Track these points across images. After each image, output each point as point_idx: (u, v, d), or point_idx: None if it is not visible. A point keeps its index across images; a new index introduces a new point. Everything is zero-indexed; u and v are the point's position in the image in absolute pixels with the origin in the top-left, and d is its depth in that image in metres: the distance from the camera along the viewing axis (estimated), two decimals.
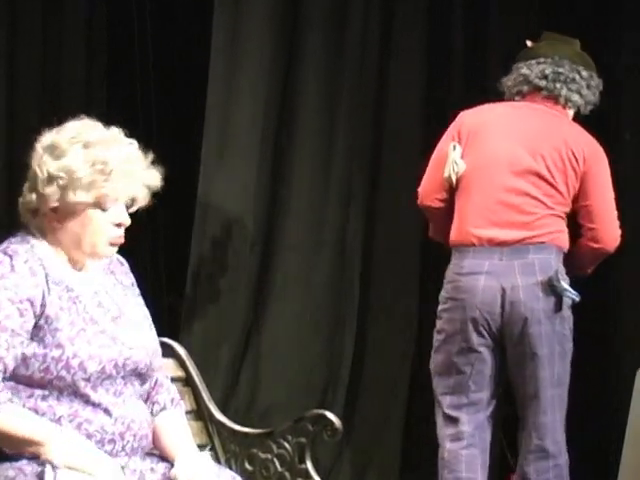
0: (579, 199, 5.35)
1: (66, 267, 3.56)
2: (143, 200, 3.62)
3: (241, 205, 6.86)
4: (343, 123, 6.92)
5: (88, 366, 3.45)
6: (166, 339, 4.17)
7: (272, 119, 6.86)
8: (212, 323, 6.82)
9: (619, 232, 5.42)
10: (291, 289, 6.90)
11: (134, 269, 7.20)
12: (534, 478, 5.34)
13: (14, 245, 3.53)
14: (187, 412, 4.08)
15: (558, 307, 5.27)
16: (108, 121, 7.34)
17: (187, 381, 4.14)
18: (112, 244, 3.58)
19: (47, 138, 3.57)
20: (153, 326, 3.70)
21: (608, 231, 5.39)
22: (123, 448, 3.50)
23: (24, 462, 3.44)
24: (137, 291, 3.74)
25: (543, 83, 5.40)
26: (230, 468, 3.95)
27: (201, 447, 4.01)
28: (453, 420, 5.40)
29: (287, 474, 3.98)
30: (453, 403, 5.41)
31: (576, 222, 5.40)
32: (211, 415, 4.11)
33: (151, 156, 3.65)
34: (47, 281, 3.49)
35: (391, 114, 6.94)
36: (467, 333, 5.31)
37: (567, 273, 5.33)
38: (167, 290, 7.18)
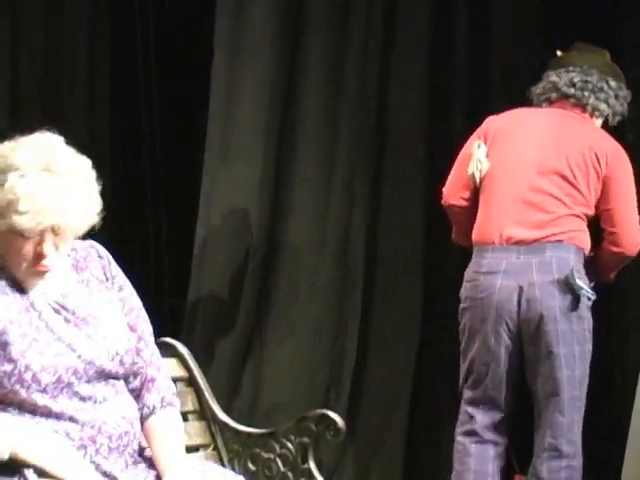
0: (601, 203, 5.39)
1: (21, 275, 3.46)
2: (75, 229, 3.45)
3: (244, 207, 6.85)
4: (345, 126, 6.91)
5: (42, 378, 3.39)
6: (169, 339, 4.17)
7: (275, 121, 6.86)
8: (215, 323, 6.82)
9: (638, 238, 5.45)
10: (294, 290, 6.89)
11: (137, 270, 7.24)
12: (546, 477, 5.36)
13: None
14: (190, 412, 4.09)
15: (575, 305, 5.30)
16: (111, 120, 7.41)
17: (190, 381, 4.13)
18: (34, 273, 3.46)
19: None
20: (125, 321, 3.59)
21: (629, 236, 5.43)
22: (97, 452, 3.44)
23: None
24: (120, 283, 3.64)
25: (571, 91, 5.47)
26: (233, 468, 3.97)
27: (204, 447, 4.01)
28: (469, 416, 5.46)
29: (290, 474, 3.98)
30: (470, 398, 5.47)
31: (598, 227, 5.43)
32: (214, 415, 4.10)
33: (89, 186, 3.46)
34: None
35: (393, 118, 6.92)
36: (485, 333, 5.36)
37: (591, 278, 5.39)
38: (170, 290, 7.17)
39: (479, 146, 5.44)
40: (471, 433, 5.46)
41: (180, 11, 7.28)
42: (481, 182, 5.44)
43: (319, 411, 4.04)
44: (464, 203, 5.52)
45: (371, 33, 6.88)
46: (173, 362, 4.12)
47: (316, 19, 6.87)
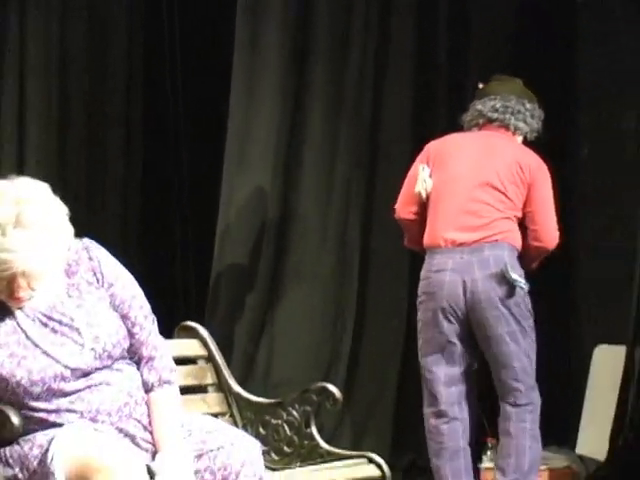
0: (525, 206, 5.43)
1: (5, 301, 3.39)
2: (42, 271, 3.32)
3: (257, 206, 6.82)
4: (343, 140, 6.88)
5: (33, 390, 3.36)
6: (191, 323, 4.12)
7: (284, 134, 6.83)
8: (233, 308, 6.78)
9: (557, 233, 5.47)
10: (300, 280, 6.86)
11: (166, 263, 7.18)
12: (514, 420, 5.40)
13: None
14: (209, 385, 4.07)
15: (511, 293, 5.33)
16: (145, 134, 7.36)
17: (209, 359, 4.11)
18: (13, 303, 3.37)
19: None
20: (116, 314, 3.47)
21: (547, 232, 5.47)
22: (100, 429, 3.38)
23: (37, 434, 3.38)
24: (108, 283, 3.48)
25: (495, 115, 5.52)
26: (246, 432, 3.87)
27: (222, 414, 3.99)
28: (433, 397, 5.45)
29: (295, 437, 3.98)
30: (432, 379, 5.45)
31: (523, 225, 5.47)
32: (230, 388, 4.08)
33: (59, 231, 3.34)
34: None
35: (384, 132, 6.90)
36: (438, 321, 5.38)
37: (522, 267, 5.41)
38: (195, 280, 7.13)
39: (423, 168, 5.49)
40: (439, 414, 5.44)
41: (205, 39, 7.21)
42: (427, 197, 5.48)
43: (320, 384, 4.04)
44: (413, 217, 5.55)
45: (366, 63, 6.86)
46: (195, 342, 4.09)
47: (319, 52, 6.85)
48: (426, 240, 5.47)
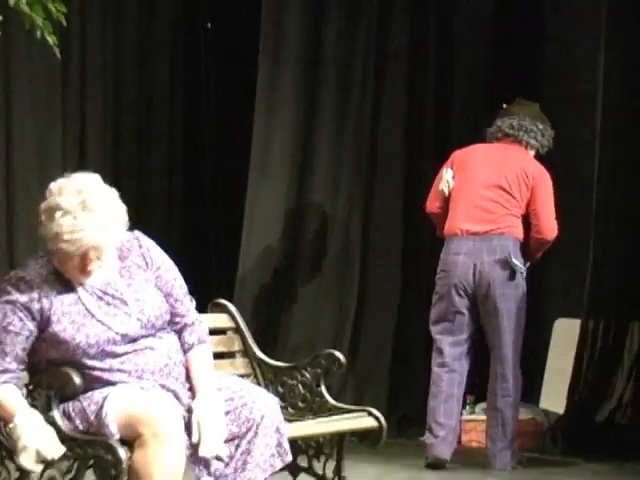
0: (529, 205, 5.51)
1: (75, 272, 3.38)
2: (109, 246, 3.35)
3: (276, 207, 6.82)
4: (348, 151, 6.86)
5: (89, 352, 3.36)
6: (222, 300, 4.10)
7: (298, 148, 6.83)
8: (257, 290, 6.77)
9: (556, 228, 5.55)
10: (311, 266, 6.84)
11: (203, 253, 7.18)
12: (499, 394, 5.49)
13: (31, 263, 3.40)
14: (237, 352, 4.03)
15: (512, 277, 5.44)
16: (185, 141, 7.38)
17: (237, 330, 4.06)
18: (83, 276, 3.37)
19: (50, 187, 3.39)
20: (160, 293, 3.46)
21: (547, 226, 5.56)
22: (145, 386, 3.38)
23: (94, 392, 3.36)
24: (157, 264, 3.48)
25: (511, 132, 5.61)
26: (267, 390, 3.85)
27: (247, 376, 3.95)
28: (441, 352, 5.54)
29: (308, 395, 3.93)
30: (442, 341, 5.54)
31: (528, 221, 5.54)
32: (254, 354, 4.03)
33: (118, 212, 3.35)
34: (53, 289, 3.36)
35: (382, 145, 6.87)
36: (451, 295, 5.49)
37: (525, 259, 5.52)
38: (226, 266, 7.14)
39: (447, 171, 5.61)
40: (442, 365, 5.53)
41: (234, 72, 7.20)
42: (449, 195, 5.59)
43: (328, 351, 3.99)
44: (438, 210, 5.64)
45: (366, 88, 6.83)
46: (225, 316, 4.05)
47: (326, 81, 6.83)
48: (446, 229, 5.57)
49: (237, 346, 4.02)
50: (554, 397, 6.03)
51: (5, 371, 3.32)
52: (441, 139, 6.80)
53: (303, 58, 6.80)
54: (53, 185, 3.37)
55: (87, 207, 3.29)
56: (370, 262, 6.85)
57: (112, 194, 3.39)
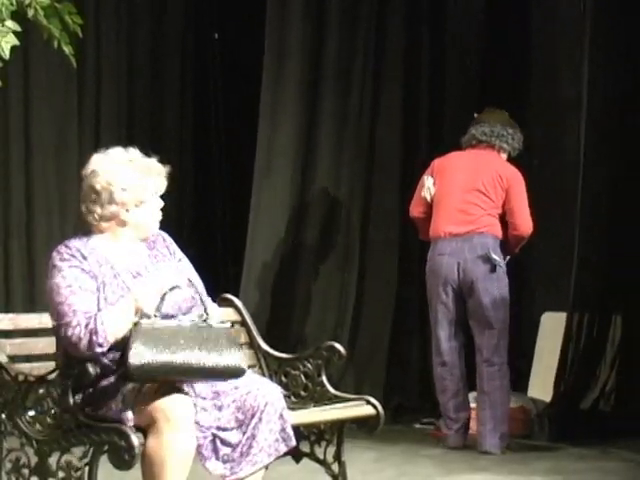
0: (505, 204, 5.59)
1: (112, 252, 3.46)
2: (164, 187, 3.56)
3: (280, 207, 6.80)
4: (347, 153, 6.86)
5: None
6: (228, 295, 4.10)
7: (300, 149, 6.82)
8: (262, 285, 6.76)
9: (531, 224, 5.61)
10: (313, 262, 6.84)
11: (211, 250, 7.20)
12: (485, 378, 5.54)
13: (72, 242, 3.46)
14: (243, 343, 4.02)
15: (493, 270, 5.52)
16: (194, 142, 7.39)
17: (242, 323, 4.06)
18: (156, 222, 3.55)
19: (90, 167, 3.49)
20: (186, 281, 3.53)
21: (522, 223, 5.60)
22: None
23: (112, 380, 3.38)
24: (179, 256, 3.60)
25: (484, 138, 5.69)
26: (271, 380, 3.87)
27: (252, 366, 3.95)
28: (438, 349, 5.65)
29: (310, 385, 3.92)
30: (438, 337, 5.65)
31: (504, 219, 5.61)
32: (259, 345, 4.03)
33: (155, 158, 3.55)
34: (96, 262, 3.42)
35: (379, 148, 6.88)
36: (439, 292, 5.60)
37: (505, 254, 5.59)
38: (232, 263, 7.14)
39: (428, 179, 5.70)
40: (443, 364, 5.64)
41: (240, 79, 7.20)
42: (432, 200, 5.68)
43: (329, 343, 3.97)
44: (421, 215, 5.75)
45: (365, 91, 6.84)
46: (231, 310, 4.05)
47: (327, 85, 6.83)
48: (431, 232, 5.67)
49: (243, 338, 4.02)
50: (541, 386, 6.04)
51: (93, 311, 3.35)
52: (435, 138, 6.84)
53: (305, 62, 6.80)
54: (96, 161, 3.47)
55: (143, 155, 3.49)
56: (368, 257, 6.86)
57: None
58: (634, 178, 6.03)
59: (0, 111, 6.29)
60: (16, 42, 4.09)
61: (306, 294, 6.82)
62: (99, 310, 3.36)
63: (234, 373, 3.37)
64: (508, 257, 5.64)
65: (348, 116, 6.85)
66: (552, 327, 6.20)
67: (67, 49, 4.23)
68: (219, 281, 6.61)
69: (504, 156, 5.71)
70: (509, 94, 6.49)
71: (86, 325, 3.30)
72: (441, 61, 6.89)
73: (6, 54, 4.07)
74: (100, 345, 3.31)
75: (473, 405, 5.85)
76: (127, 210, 3.45)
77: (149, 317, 3.32)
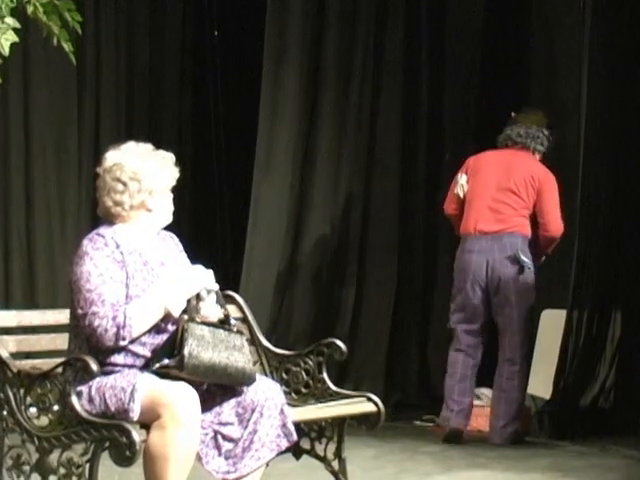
0: (536, 205, 5.70)
1: (138, 241, 3.51)
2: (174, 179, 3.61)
3: (280, 201, 6.81)
4: (347, 154, 6.87)
5: None
6: (230, 292, 4.10)
7: (300, 147, 6.82)
8: (261, 282, 6.76)
9: (561, 225, 5.73)
10: (313, 259, 6.85)
11: (211, 247, 7.22)
12: (505, 376, 5.67)
13: (103, 230, 3.51)
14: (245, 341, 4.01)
15: (521, 271, 5.64)
16: (194, 141, 7.41)
17: (244, 320, 4.06)
18: (169, 215, 3.61)
19: (109, 160, 3.53)
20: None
21: (552, 224, 5.71)
22: None
23: (130, 370, 3.40)
24: (184, 256, 3.67)
25: (519, 139, 5.79)
26: (272, 377, 3.90)
27: (254, 363, 3.93)
28: (458, 340, 5.75)
29: (310, 381, 3.93)
30: (459, 329, 5.74)
31: (536, 220, 5.72)
32: (260, 342, 4.04)
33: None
34: (125, 251, 3.46)
35: (379, 145, 6.87)
36: (466, 289, 5.69)
37: (536, 255, 5.72)
38: (232, 259, 7.14)
39: (461, 177, 5.79)
40: (459, 349, 5.75)
41: (241, 73, 7.20)
42: (464, 198, 5.78)
43: (330, 340, 3.98)
44: (455, 212, 5.85)
45: (364, 90, 6.84)
46: (233, 307, 4.04)
47: (327, 83, 6.83)
48: (461, 229, 5.77)
49: (246, 335, 4.01)
50: (541, 384, 6.04)
51: (121, 304, 3.37)
52: (435, 136, 6.84)
53: (305, 60, 6.80)
54: (115, 154, 3.52)
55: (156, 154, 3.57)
56: (368, 254, 6.86)
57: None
58: (634, 175, 6.03)
59: None
60: (16, 39, 4.08)
61: (305, 292, 6.82)
62: (127, 302, 3.38)
63: (252, 380, 3.49)
64: (543, 257, 5.80)
65: (348, 113, 6.85)
66: (552, 324, 6.20)
67: (66, 46, 4.22)
68: (219, 278, 6.62)
69: (538, 157, 5.81)
70: (509, 90, 6.48)
71: (114, 317, 3.33)
72: (441, 58, 6.88)
73: (6, 51, 4.06)
74: (124, 339, 3.35)
75: (477, 402, 5.90)
76: (153, 197, 3.51)
77: (193, 319, 3.39)
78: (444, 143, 6.87)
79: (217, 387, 3.48)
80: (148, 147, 3.57)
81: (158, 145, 3.67)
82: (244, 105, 7.03)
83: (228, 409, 3.46)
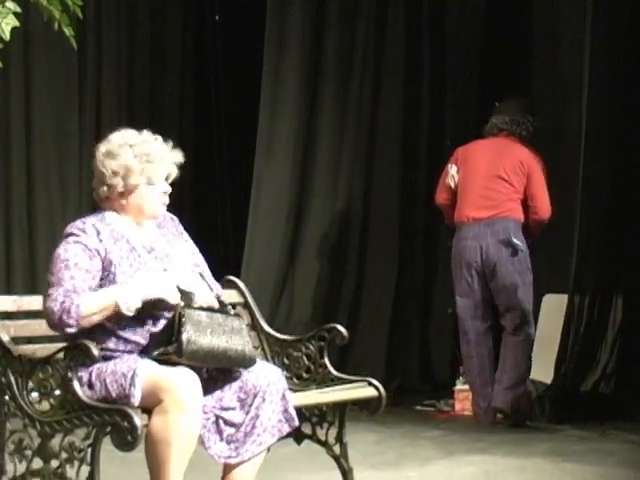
0: (526, 189, 5.80)
1: (127, 228, 3.50)
2: (174, 173, 3.55)
3: (281, 189, 6.82)
4: (347, 139, 6.87)
5: None
6: (232, 277, 4.09)
7: (301, 137, 6.83)
8: (262, 267, 6.78)
9: (549, 208, 5.82)
10: (314, 245, 6.86)
11: (212, 232, 7.22)
12: (511, 347, 5.76)
13: (89, 217, 3.52)
14: (246, 325, 4.00)
15: (514, 254, 5.74)
16: (195, 127, 7.39)
17: (245, 305, 4.05)
18: (162, 205, 3.55)
19: (103, 147, 3.52)
20: (193, 259, 3.60)
21: (541, 207, 5.80)
22: None
23: (130, 356, 3.40)
24: (185, 238, 3.65)
25: (505, 126, 5.90)
26: (274, 362, 3.89)
27: (255, 348, 3.93)
28: (465, 332, 5.86)
29: (312, 366, 3.91)
30: (462, 317, 5.87)
31: (525, 203, 5.82)
32: (262, 327, 4.02)
33: (171, 143, 3.55)
34: (111, 237, 3.46)
35: (379, 135, 6.87)
36: (463, 274, 5.81)
37: (526, 238, 5.80)
38: (234, 244, 7.15)
39: (452, 167, 5.89)
40: (468, 342, 5.86)
41: (241, 65, 7.19)
42: (456, 187, 5.88)
43: (331, 325, 3.96)
44: (446, 202, 5.95)
45: (365, 80, 6.84)
46: (234, 292, 4.04)
47: (328, 69, 6.84)
48: (455, 218, 5.88)
49: (246, 320, 4.00)
50: (542, 368, 6.04)
51: (75, 291, 3.36)
52: (436, 125, 6.83)
53: (306, 49, 6.80)
54: (109, 141, 3.50)
55: (158, 140, 3.51)
56: (369, 241, 6.87)
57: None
58: (636, 162, 6.03)
59: (0, 92, 6.27)
60: (16, 23, 4.07)
61: (306, 277, 6.82)
62: (112, 285, 3.38)
63: (252, 362, 3.49)
64: (530, 240, 5.85)
65: (349, 103, 6.86)
66: (553, 309, 6.21)
67: (67, 30, 4.21)
68: (221, 264, 6.62)
69: (524, 142, 5.89)
70: (510, 84, 6.48)
71: (62, 302, 3.33)
72: (441, 52, 6.86)
73: (6, 35, 4.05)
74: (69, 326, 3.32)
75: (465, 387, 5.94)
76: (141, 188, 3.49)
77: (190, 305, 3.38)
78: (445, 131, 6.86)
79: (218, 372, 3.47)
80: (145, 136, 3.53)
81: (159, 131, 3.65)
82: (246, 89, 7.04)
83: (230, 394, 3.45)
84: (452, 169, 5.89)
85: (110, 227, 3.47)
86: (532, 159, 5.82)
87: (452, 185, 5.88)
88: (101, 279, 3.41)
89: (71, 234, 3.43)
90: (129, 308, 3.34)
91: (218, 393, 3.45)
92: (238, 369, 3.47)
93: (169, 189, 3.54)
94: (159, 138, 3.53)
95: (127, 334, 3.41)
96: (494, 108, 5.99)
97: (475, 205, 5.77)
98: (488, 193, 5.77)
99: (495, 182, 5.78)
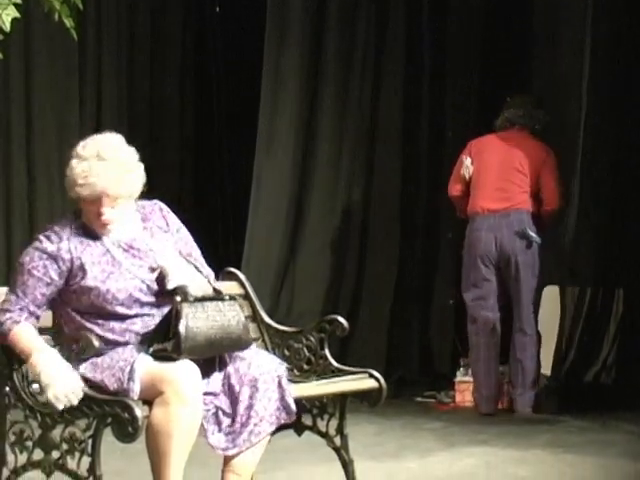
0: (539, 181, 5.88)
1: (95, 226, 3.43)
2: (122, 195, 3.39)
3: (281, 185, 6.84)
4: (348, 137, 6.89)
5: (119, 296, 3.39)
6: (232, 269, 4.08)
7: (301, 133, 6.85)
8: (263, 259, 6.80)
9: (558, 199, 5.89)
10: (314, 238, 6.87)
11: (213, 225, 7.22)
12: (518, 346, 5.84)
13: (61, 221, 3.47)
14: (246, 317, 3.97)
15: (529, 246, 5.83)
16: (196, 122, 7.41)
17: (246, 297, 4.04)
18: (100, 225, 3.43)
19: (72, 154, 3.45)
20: (185, 248, 3.54)
21: (553, 197, 5.89)
22: None
23: (125, 349, 3.39)
24: (177, 227, 3.55)
25: (519, 120, 5.98)
26: (274, 354, 3.87)
27: (255, 339, 3.93)
28: (474, 320, 5.91)
29: (312, 357, 3.90)
30: (474, 307, 5.92)
31: (537, 194, 5.89)
32: (262, 319, 4.01)
33: (131, 166, 3.40)
34: (82, 241, 3.40)
35: (380, 131, 6.88)
36: (477, 265, 5.88)
37: (539, 226, 5.88)
38: (234, 237, 7.15)
39: (466, 158, 5.97)
40: (477, 332, 5.89)
41: (241, 60, 7.19)
42: (470, 179, 5.95)
43: (332, 316, 3.95)
44: (459, 193, 6.02)
45: (365, 76, 6.86)
46: (234, 284, 4.03)
47: (328, 74, 6.86)
48: (469, 209, 5.95)
49: (246, 312, 3.99)
50: (543, 359, 6.04)
51: (23, 309, 3.35)
52: (436, 125, 6.82)
53: (306, 49, 6.80)
54: (80, 142, 3.43)
55: (101, 157, 3.35)
56: (370, 233, 6.87)
57: (130, 150, 3.44)
58: (636, 161, 6.03)
59: (0, 83, 6.27)
60: (17, 14, 4.07)
61: (307, 270, 6.83)
62: (78, 295, 3.35)
63: (248, 344, 3.49)
64: (541, 232, 5.91)
65: (349, 99, 6.86)
66: (554, 301, 6.21)
67: (68, 22, 4.21)
68: (221, 258, 6.63)
69: (536, 136, 5.98)
70: (510, 84, 6.48)
71: (6, 310, 3.34)
72: (441, 52, 6.85)
73: (7, 26, 4.04)
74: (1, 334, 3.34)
75: (466, 379, 5.99)
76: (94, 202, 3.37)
77: (185, 299, 3.36)
78: (445, 127, 6.86)
79: (206, 361, 3.45)
80: (89, 150, 3.37)
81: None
82: (245, 91, 7.03)
83: (216, 379, 3.44)
84: (467, 160, 5.96)
85: (83, 230, 3.42)
86: (546, 152, 5.90)
87: (467, 176, 5.95)
88: (70, 284, 3.38)
89: (35, 239, 3.41)
90: (57, 392, 3.27)
91: (204, 380, 3.43)
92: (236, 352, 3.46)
93: (103, 214, 3.38)
94: (104, 154, 3.35)
95: (116, 333, 3.40)
96: (505, 103, 6.06)
97: (490, 197, 5.86)
98: (503, 185, 5.86)
99: (510, 174, 5.87)
